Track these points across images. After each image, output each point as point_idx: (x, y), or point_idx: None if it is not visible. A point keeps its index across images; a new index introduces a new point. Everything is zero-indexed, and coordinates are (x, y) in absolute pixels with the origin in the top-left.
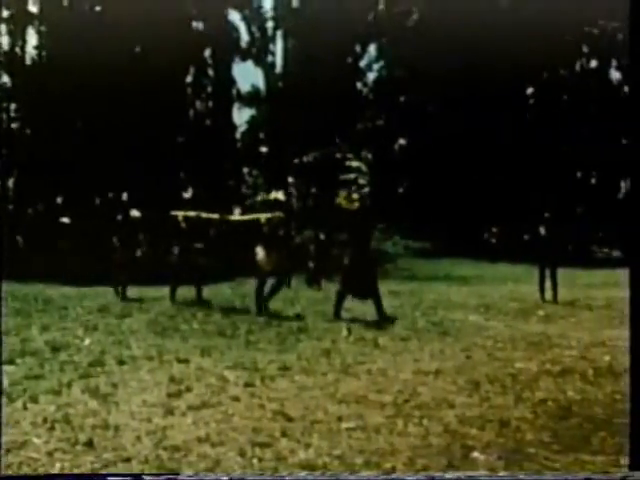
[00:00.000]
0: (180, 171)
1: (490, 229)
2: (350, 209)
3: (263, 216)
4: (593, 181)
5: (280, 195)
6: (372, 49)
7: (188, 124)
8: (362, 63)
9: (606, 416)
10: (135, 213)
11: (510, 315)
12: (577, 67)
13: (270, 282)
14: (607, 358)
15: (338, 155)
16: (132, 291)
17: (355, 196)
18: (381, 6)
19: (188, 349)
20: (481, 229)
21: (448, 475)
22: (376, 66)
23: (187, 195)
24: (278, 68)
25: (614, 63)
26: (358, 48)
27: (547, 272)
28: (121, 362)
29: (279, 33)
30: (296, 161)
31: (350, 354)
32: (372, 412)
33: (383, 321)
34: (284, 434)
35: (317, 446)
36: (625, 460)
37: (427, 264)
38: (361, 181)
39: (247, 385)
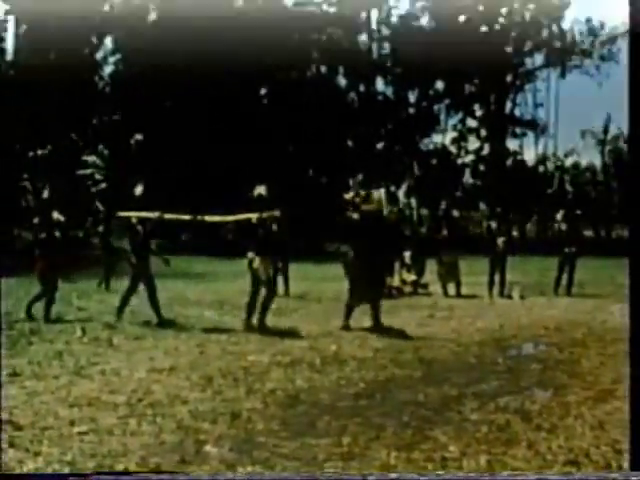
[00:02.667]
0: None
1: (227, 226)
2: (368, 210)
3: (254, 216)
4: (324, 180)
5: (263, 190)
6: (108, 41)
7: None
8: (98, 55)
9: (331, 401)
10: None
11: (244, 309)
12: (309, 72)
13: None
14: (334, 347)
15: (74, 149)
16: None
17: (375, 196)
18: None
19: None
20: (218, 226)
21: (448, 475)
22: (112, 59)
23: None
24: (9, 55)
25: (341, 70)
26: (95, 39)
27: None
28: None
29: (11, 18)
30: (30, 154)
31: (84, 355)
32: (105, 414)
33: (379, 329)
34: (12, 444)
35: (47, 453)
36: (347, 440)
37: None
38: (97, 176)
39: None
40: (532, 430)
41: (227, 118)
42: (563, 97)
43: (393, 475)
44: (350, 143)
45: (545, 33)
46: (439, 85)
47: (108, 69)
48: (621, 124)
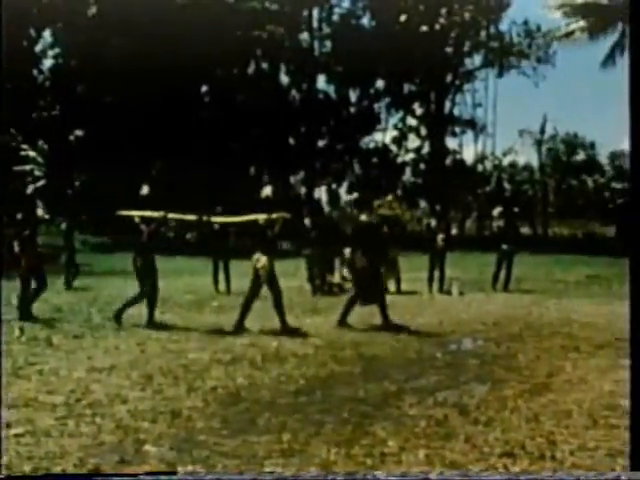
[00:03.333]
0: None
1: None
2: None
3: (262, 217)
4: (266, 178)
5: (269, 192)
6: (47, 35)
7: None
8: (37, 48)
9: (271, 398)
10: None
11: (185, 307)
12: (250, 69)
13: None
14: (275, 344)
15: (13, 144)
16: None
17: (395, 204)
18: None
19: None
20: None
21: (460, 475)
22: (52, 53)
23: None
24: None
25: (283, 68)
26: (33, 32)
27: (221, 264)
28: None
29: None
30: None
31: (22, 355)
32: (42, 415)
33: (388, 327)
34: None
35: None
36: (287, 436)
37: (105, 259)
38: (37, 172)
39: None
40: (469, 424)
41: (167, 114)
42: (501, 97)
43: (391, 476)
44: (291, 141)
45: (484, 34)
46: (380, 84)
47: (47, 63)
48: (557, 124)
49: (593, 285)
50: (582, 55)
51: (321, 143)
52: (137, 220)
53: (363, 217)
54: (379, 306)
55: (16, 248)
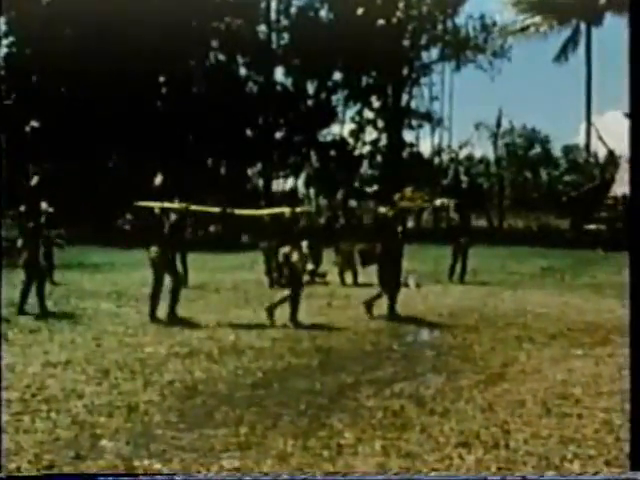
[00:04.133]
0: None
1: (125, 216)
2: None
3: (287, 210)
4: (223, 170)
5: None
6: (1, 22)
7: None
8: None
9: (229, 391)
10: None
11: (142, 301)
12: (207, 61)
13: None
14: (232, 337)
15: None
16: None
17: (416, 195)
18: None
19: None
20: (114, 216)
21: (449, 476)
22: (5, 42)
23: None
24: None
25: (241, 60)
26: None
27: (177, 257)
28: None
29: None
30: None
31: None
32: None
33: (392, 318)
34: None
35: None
36: (244, 429)
37: (60, 252)
38: None
39: None
40: (425, 414)
41: (123, 105)
42: (458, 91)
43: (394, 476)
44: (249, 133)
45: (440, 28)
46: (337, 76)
47: (1, 51)
48: (513, 118)
49: (547, 277)
50: (537, 49)
51: (279, 135)
52: (157, 211)
53: (382, 210)
54: (390, 297)
55: (19, 242)
